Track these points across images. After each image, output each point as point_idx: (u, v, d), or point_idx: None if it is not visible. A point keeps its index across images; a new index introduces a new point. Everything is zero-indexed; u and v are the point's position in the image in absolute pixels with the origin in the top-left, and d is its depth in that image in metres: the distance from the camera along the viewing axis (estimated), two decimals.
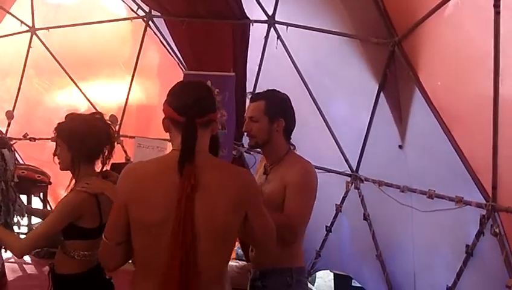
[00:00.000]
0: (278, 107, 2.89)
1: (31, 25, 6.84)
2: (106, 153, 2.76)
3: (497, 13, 2.91)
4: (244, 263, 6.12)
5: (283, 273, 2.81)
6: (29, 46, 6.92)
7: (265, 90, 2.99)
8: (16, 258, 2.64)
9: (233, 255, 6.71)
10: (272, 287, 2.83)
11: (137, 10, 6.28)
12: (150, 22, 6.29)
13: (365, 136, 4.66)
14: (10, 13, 6.83)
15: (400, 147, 4.25)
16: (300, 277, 2.86)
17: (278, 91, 2.98)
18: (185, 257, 1.98)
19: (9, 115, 6.78)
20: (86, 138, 2.66)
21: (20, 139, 6.91)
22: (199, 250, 2.01)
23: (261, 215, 2.23)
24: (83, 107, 6.72)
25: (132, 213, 2.07)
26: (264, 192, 2.84)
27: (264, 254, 2.67)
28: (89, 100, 6.81)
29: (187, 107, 2.08)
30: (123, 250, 2.16)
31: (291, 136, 2.96)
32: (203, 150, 2.12)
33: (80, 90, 6.84)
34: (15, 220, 2.94)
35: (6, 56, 7.22)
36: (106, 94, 7.02)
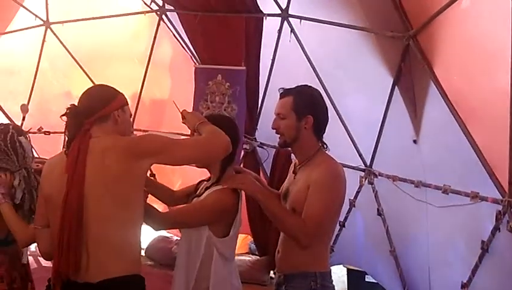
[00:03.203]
0: (306, 103, 2.74)
1: (45, 19, 6.86)
2: None
3: None
4: (257, 257, 6.12)
5: (307, 278, 2.70)
6: (44, 40, 6.95)
7: (295, 85, 2.84)
8: (36, 249, 2.70)
9: (246, 249, 6.72)
10: None
11: (150, 4, 6.29)
12: (164, 16, 6.28)
13: (379, 130, 4.63)
14: (24, 7, 6.86)
15: (415, 141, 4.21)
16: (325, 281, 2.74)
17: (309, 86, 2.84)
18: (68, 217, 2.14)
19: (24, 109, 6.80)
20: None
21: (34, 132, 6.95)
22: (89, 214, 2.15)
23: (177, 149, 2.41)
24: None
25: (42, 191, 2.39)
26: (291, 193, 2.79)
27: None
28: None
29: (72, 115, 2.30)
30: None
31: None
32: (102, 135, 2.28)
33: (94, 83, 6.85)
34: None
35: (21, 50, 7.25)
36: (120, 88, 6.99)
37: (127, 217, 2.21)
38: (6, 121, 7.05)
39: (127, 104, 2.44)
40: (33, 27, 6.94)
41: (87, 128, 2.26)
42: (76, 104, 2.33)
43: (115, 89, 2.42)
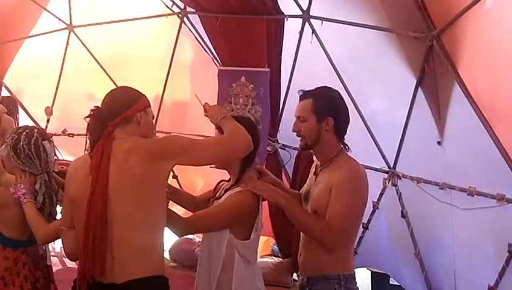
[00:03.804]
0: (326, 104, 2.73)
1: (68, 22, 6.94)
2: None
3: None
4: (280, 259, 6.10)
5: (331, 281, 2.69)
6: (67, 44, 7.03)
7: (315, 87, 2.83)
8: (61, 251, 2.76)
9: (269, 251, 6.70)
10: None
11: (172, 7, 6.31)
12: (185, 19, 6.30)
13: (403, 131, 4.58)
14: (48, 10, 6.95)
15: (439, 143, 4.16)
16: (349, 284, 2.72)
17: (328, 88, 2.83)
18: (94, 220, 2.17)
19: (49, 111, 6.89)
20: None
21: (59, 135, 7.05)
22: (113, 217, 2.18)
23: (201, 150, 2.43)
24: None
25: (67, 193, 2.41)
26: (312, 195, 2.78)
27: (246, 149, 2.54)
28: None
29: (95, 117, 2.34)
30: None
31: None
32: (125, 136, 2.32)
33: (116, 85, 6.86)
34: (58, 210, 3.00)
35: (45, 54, 7.34)
36: (142, 90, 7.04)
37: (150, 218, 2.23)
38: (31, 123, 7.16)
39: (150, 106, 2.47)
40: (57, 30, 7.03)
41: (110, 130, 2.29)
42: (99, 106, 2.36)
43: (138, 91, 2.46)
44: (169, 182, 2.52)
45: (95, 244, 2.14)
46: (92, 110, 2.33)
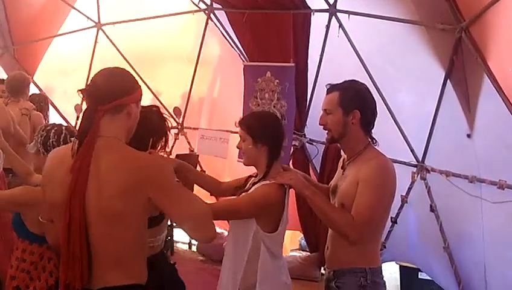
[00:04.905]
0: (353, 98, 2.73)
1: (96, 20, 7.03)
2: (161, 144, 2.80)
3: None
4: (308, 253, 6.11)
5: (357, 274, 2.70)
6: (96, 41, 7.13)
7: (342, 81, 2.83)
8: None
9: (297, 245, 6.71)
10: (346, 289, 2.73)
11: (198, 3, 6.34)
12: (211, 15, 6.33)
13: (431, 125, 4.54)
14: (76, 9, 7.06)
15: (468, 136, 4.12)
16: (375, 277, 2.72)
17: (355, 81, 2.83)
18: (72, 234, 2.03)
19: (79, 109, 7.00)
20: (137, 129, 2.72)
21: None
22: (91, 231, 2.06)
23: (176, 200, 2.13)
24: (147, 100, 6.87)
25: (44, 193, 2.22)
26: (339, 188, 2.79)
27: (203, 241, 2.54)
28: (153, 93, 6.94)
29: (87, 95, 2.15)
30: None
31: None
32: (109, 135, 2.12)
33: (144, 82, 6.94)
34: None
35: (74, 51, 7.45)
36: (169, 87, 7.14)
37: (126, 233, 2.10)
38: (61, 120, 7.27)
39: (141, 100, 2.30)
40: (85, 28, 7.14)
41: (100, 116, 2.10)
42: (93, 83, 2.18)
43: (135, 79, 2.27)
44: None
45: (75, 256, 2.05)
46: (88, 85, 2.15)
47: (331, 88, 2.81)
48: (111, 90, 2.13)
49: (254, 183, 2.80)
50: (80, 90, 2.15)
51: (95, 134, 2.09)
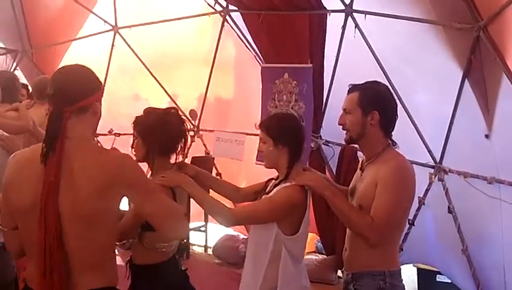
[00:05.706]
0: (372, 98, 2.70)
1: (113, 24, 7.09)
2: (180, 147, 2.80)
3: None
4: (324, 256, 6.08)
5: (375, 277, 2.67)
6: (113, 45, 7.18)
7: (361, 82, 2.81)
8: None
9: (313, 248, 6.69)
10: None
11: (214, 5, 6.35)
12: (227, 17, 6.34)
13: (449, 125, 4.50)
14: (94, 13, 7.12)
15: (487, 136, 4.07)
16: (394, 281, 2.69)
17: (378, 82, 2.81)
18: (49, 241, 1.99)
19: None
20: (159, 132, 2.72)
21: (105, 134, 7.22)
22: (66, 235, 2.02)
23: (147, 196, 2.14)
24: (164, 103, 6.90)
25: (9, 199, 2.13)
26: (357, 190, 2.77)
27: (174, 238, 2.54)
28: (169, 95, 6.97)
29: (52, 97, 2.11)
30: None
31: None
32: (77, 136, 2.10)
33: (161, 85, 7.00)
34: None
35: (92, 55, 7.51)
36: (186, 88, 7.17)
37: (100, 233, 2.08)
38: None
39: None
40: (103, 32, 7.19)
41: (66, 118, 2.07)
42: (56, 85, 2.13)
43: (96, 75, 2.23)
44: None
45: (54, 267, 2.01)
46: (51, 88, 2.10)
47: (352, 88, 2.80)
48: (76, 92, 2.11)
49: (275, 186, 2.79)
50: (42, 94, 2.11)
51: (64, 136, 2.07)
